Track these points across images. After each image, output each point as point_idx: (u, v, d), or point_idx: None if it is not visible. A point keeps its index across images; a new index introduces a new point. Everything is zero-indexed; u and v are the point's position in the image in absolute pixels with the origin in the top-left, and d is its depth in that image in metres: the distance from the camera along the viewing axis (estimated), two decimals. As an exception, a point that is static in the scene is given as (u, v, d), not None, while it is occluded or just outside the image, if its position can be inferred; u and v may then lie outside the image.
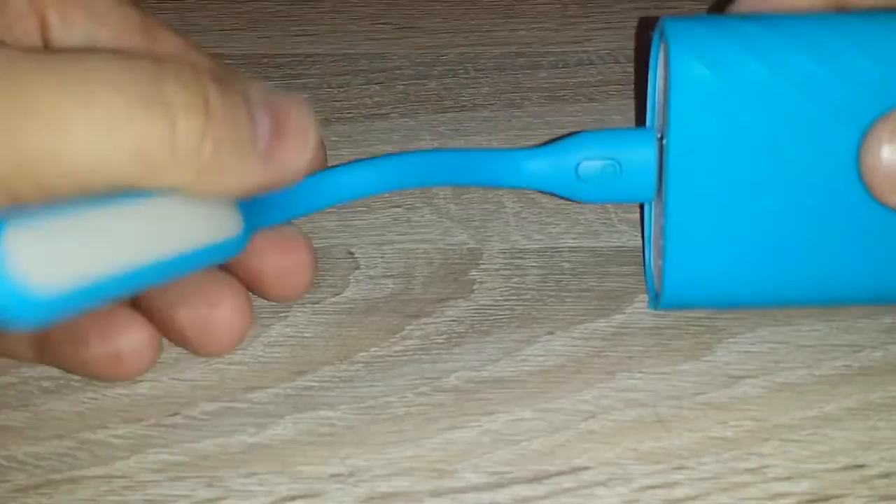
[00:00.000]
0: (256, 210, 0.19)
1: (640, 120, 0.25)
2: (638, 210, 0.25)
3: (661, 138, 0.21)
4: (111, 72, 0.15)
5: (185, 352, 0.21)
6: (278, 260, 0.21)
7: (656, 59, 0.21)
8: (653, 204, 0.22)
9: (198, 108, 0.16)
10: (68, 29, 0.19)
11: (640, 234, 0.24)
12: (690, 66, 0.19)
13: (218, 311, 0.20)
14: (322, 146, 0.22)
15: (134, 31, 0.19)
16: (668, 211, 0.20)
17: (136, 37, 0.19)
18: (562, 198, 0.22)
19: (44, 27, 0.19)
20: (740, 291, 0.21)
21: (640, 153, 0.21)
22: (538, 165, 0.21)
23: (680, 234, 0.20)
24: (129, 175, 0.15)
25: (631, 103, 0.28)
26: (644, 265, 0.23)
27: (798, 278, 0.20)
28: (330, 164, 0.26)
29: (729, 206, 0.20)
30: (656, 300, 0.22)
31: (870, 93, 0.19)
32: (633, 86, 0.29)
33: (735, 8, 0.22)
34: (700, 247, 0.20)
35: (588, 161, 0.21)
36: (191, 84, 0.16)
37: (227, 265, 0.20)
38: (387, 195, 0.25)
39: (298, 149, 0.17)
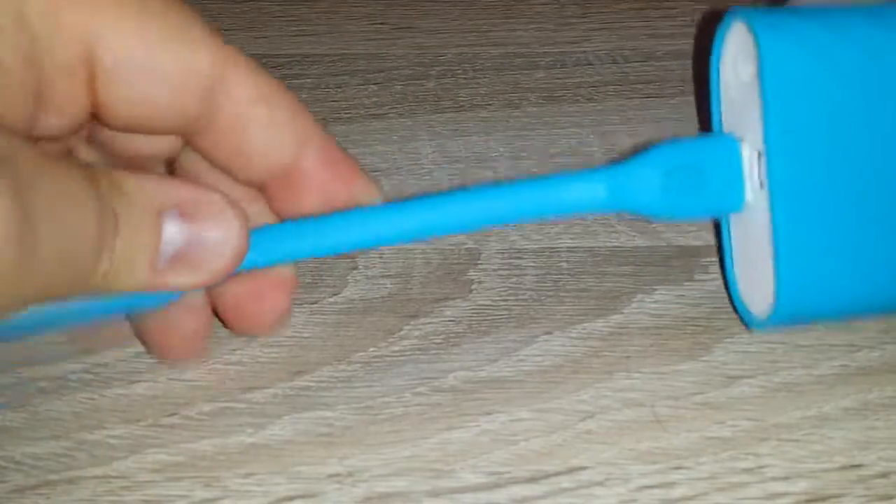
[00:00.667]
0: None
1: (703, 125, 0.24)
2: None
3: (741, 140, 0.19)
4: None
5: (182, 352, 0.21)
6: (252, 306, 0.20)
7: (719, 55, 0.20)
8: (736, 216, 0.20)
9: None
10: None
11: (638, 235, 0.24)
12: (783, 52, 0.18)
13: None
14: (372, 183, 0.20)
15: (195, 74, 0.17)
16: (775, 217, 0.18)
17: (197, 83, 0.17)
18: (646, 217, 0.20)
19: (92, 72, 0.17)
20: (860, 297, 0.19)
21: (725, 160, 0.19)
22: (619, 183, 0.19)
23: (789, 239, 0.18)
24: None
25: (628, 104, 0.28)
26: (727, 284, 0.21)
27: None
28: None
29: (836, 204, 0.18)
30: (761, 319, 0.20)
31: None
32: (630, 86, 0.29)
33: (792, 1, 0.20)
34: (812, 252, 0.18)
35: (672, 173, 0.19)
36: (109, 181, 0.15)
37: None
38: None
39: (216, 259, 0.16)
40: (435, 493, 0.19)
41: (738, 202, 0.19)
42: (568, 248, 0.24)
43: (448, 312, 0.22)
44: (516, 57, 0.30)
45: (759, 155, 0.19)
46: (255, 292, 0.20)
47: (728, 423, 0.20)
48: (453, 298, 0.23)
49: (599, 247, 0.24)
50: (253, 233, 0.17)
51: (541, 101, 0.29)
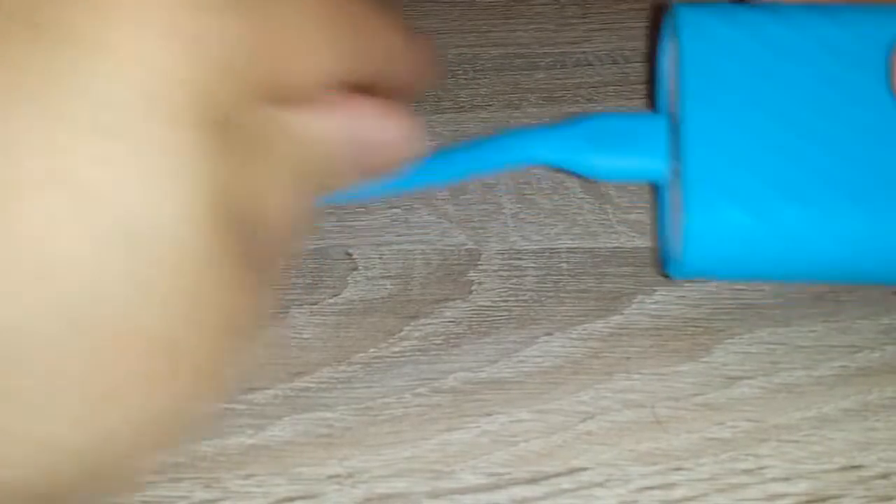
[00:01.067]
0: None
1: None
2: (638, 212, 0.25)
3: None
4: None
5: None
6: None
7: (665, 46, 0.22)
8: (668, 186, 0.22)
9: None
10: None
11: (638, 236, 0.24)
12: (698, 17, 0.20)
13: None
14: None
15: None
16: (685, 170, 0.19)
17: None
18: (576, 175, 0.22)
19: None
20: (769, 258, 0.20)
21: (651, 132, 0.21)
22: (553, 138, 0.22)
23: (698, 195, 0.19)
24: None
25: (629, 104, 0.28)
26: (660, 248, 0.22)
27: (829, 243, 0.19)
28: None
29: (749, 166, 0.19)
30: (676, 265, 0.21)
31: (881, 38, 0.19)
32: (631, 87, 0.29)
33: None
34: (720, 207, 0.19)
35: (603, 137, 0.21)
36: None
37: None
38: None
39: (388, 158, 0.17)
40: (435, 495, 0.19)
41: (661, 170, 0.21)
42: (568, 248, 0.24)
43: (448, 313, 0.22)
44: (516, 58, 0.30)
45: None
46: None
47: (728, 424, 0.20)
48: (453, 299, 0.23)
49: (599, 248, 0.24)
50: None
51: (541, 101, 0.29)
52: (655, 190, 0.23)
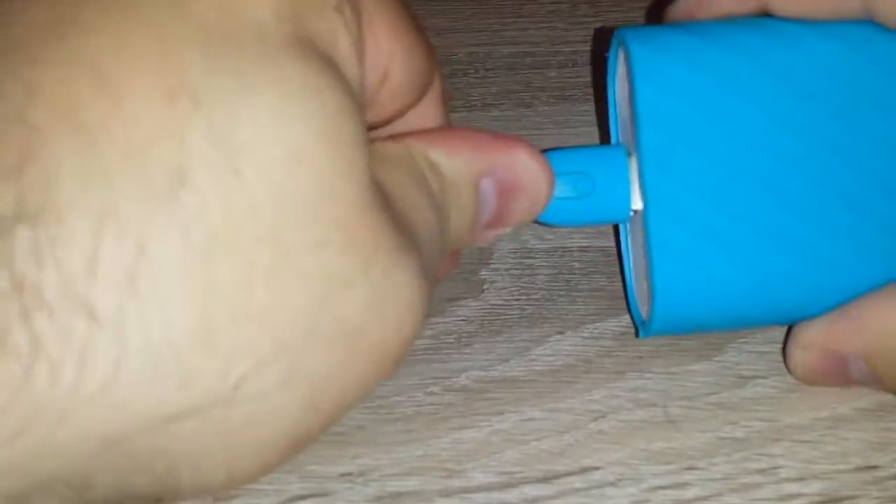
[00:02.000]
0: None
1: (604, 137, 0.24)
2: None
3: (630, 153, 0.20)
4: None
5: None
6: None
7: (614, 71, 0.21)
8: (628, 225, 0.21)
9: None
10: None
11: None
12: (653, 59, 0.19)
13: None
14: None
15: None
16: (649, 223, 0.19)
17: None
18: (542, 223, 0.19)
19: None
20: (739, 306, 0.19)
21: (612, 169, 0.19)
22: None
23: (666, 247, 0.18)
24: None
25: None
26: (625, 293, 0.22)
27: (798, 285, 0.19)
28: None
29: (714, 213, 0.18)
30: (645, 327, 0.20)
31: (832, 69, 0.19)
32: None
33: (671, 16, 0.21)
34: (689, 259, 0.18)
35: (560, 177, 0.19)
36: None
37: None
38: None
39: (526, 209, 0.17)
40: (447, 493, 0.19)
41: (624, 211, 0.19)
42: (580, 247, 0.24)
43: (460, 312, 0.22)
44: (528, 56, 0.30)
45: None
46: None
47: (741, 424, 0.20)
48: (465, 298, 0.23)
49: (611, 246, 0.24)
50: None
51: (553, 100, 0.29)
52: (617, 242, 0.22)
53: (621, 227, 0.22)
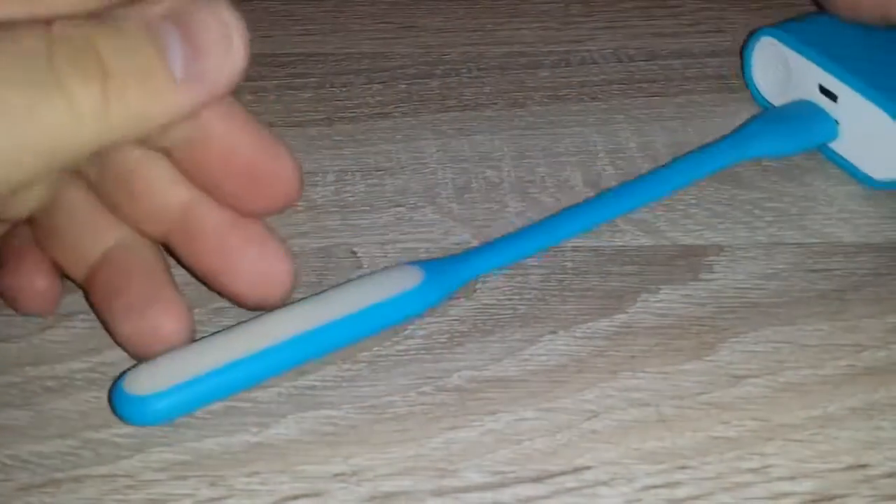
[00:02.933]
0: (442, 269, 0.22)
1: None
2: (643, 210, 0.25)
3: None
4: (2, 62, 0.15)
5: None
6: (254, 264, 0.20)
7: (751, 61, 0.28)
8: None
9: (92, 73, 0.15)
10: None
11: (643, 234, 0.24)
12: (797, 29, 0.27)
13: (157, 329, 0.20)
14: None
15: None
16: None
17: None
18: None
19: None
20: None
21: (805, 106, 0.26)
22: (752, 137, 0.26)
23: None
24: (46, 163, 0.15)
25: (634, 102, 0.28)
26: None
27: None
28: (334, 161, 0.26)
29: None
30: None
31: None
32: (635, 84, 0.29)
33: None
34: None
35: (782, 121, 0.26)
36: (80, 47, 0.15)
37: (199, 259, 0.20)
38: (389, 194, 0.25)
39: (221, 59, 0.16)
40: (440, 493, 0.19)
41: (833, 131, 0.26)
42: (572, 247, 0.24)
43: (453, 312, 0.22)
44: (521, 56, 0.30)
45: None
46: (266, 256, 0.20)
47: (733, 423, 0.20)
48: (458, 298, 0.23)
49: (604, 246, 0.24)
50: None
51: (545, 100, 0.29)
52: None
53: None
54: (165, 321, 0.20)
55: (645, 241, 0.24)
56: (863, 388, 0.20)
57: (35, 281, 0.21)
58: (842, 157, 0.26)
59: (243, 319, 0.21)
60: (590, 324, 0.22)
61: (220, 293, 0.21)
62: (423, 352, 0.21)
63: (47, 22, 0.15)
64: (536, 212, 0.25)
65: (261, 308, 0.20)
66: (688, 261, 0.24)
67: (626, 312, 0.22)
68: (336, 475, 0.19)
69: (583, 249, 0.24)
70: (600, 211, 0.24)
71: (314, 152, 0.27)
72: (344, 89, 0.29)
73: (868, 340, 0.21)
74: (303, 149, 0.27)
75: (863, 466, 0.19)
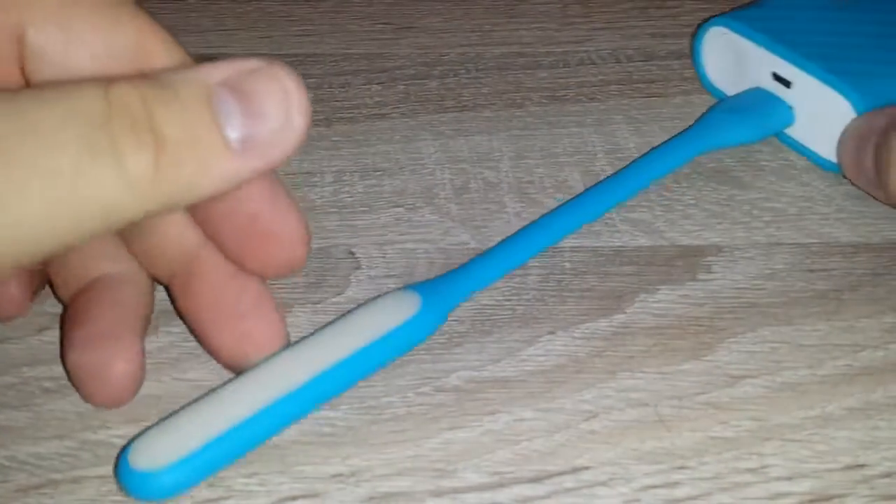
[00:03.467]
0: (437, 289, 0.21)
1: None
2: (641, 210, 0.25)
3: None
4: (52, 124, 0.14)
5: (186, 351, 0.21)
6: (271, 224, 0.19)
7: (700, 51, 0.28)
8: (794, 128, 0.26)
9: (147, 139, 0.15)
10: (44, 57, 0.17)
11: (641, 235, 0.24)
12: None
13: (110, 368, 0.19)
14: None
15: (120, 48, 0.17)
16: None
17: (122, 55, 0.17)
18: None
19: (22, 54, 0.17)
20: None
21: (761, 95, 0.26)
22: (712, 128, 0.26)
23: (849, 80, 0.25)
24: (89, 228, 0.15)
25: (632, 102, 0.28)
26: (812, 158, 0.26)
27: None
28: (333, 162, 0.26)
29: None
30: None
31: None
32: (633, 85, 0.29)
33: None
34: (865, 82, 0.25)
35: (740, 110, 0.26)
36: (138, 113, 0.15)
37: (213, 218, 0.19)
38: (387, 195, 0.25)
39: (278, 129, 0.16)
40: (438, 493, 0.19)
41: (790, 117, 0.26)
42: (571, 247, 0.24)
43: (451, 312, 0.22)
44: (519, 57, 0.30)
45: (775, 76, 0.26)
46: (282, 219, 0.19)
47: (731, 423, 0.20)
48: (456, 298, 0.23)
49: (602, 246, 0.24)
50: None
51: (543, 100, 0.29)
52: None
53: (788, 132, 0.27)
54: (116, 361, 0.19)
55: (643, 241, 0.24)
56: (861, 388, 0.20)
57: (9, 287, 0.21)
58: (799, 143, 0.26)
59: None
60: (588, 324, 0.22)
61: (205, 347, 0.20)
62: (421, 352, 0.21)
63: (107, 80, 0.15)
64: (535, 212, 0.25)
65: (238, 368, 0.20)
66: (686, 261, 0.24)
67: (625, 313, 0.22)
68: (334, 476, 0.19)
69: (581, 250, 0.24)
70: (579, 213, 0.24)
71: (312, 153, 0.27)
72: (342, 90, 0.29)
73: (866, 340, 0.21)
74: (301, 149, 0.27)
75: (861, 466, 0.19)
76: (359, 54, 0.30)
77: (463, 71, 0.30)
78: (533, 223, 0.24)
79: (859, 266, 0.23)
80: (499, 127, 0.28)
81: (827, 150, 0.25)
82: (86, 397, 0.20)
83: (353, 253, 0.24)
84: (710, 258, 0.24)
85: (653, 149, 0.26)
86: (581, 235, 0.24)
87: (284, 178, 0.26)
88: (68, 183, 0.14)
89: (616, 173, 0.25)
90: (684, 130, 0.26)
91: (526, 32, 0.31)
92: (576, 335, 0.22)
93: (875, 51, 0.25)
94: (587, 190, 0.25)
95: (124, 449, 0.18)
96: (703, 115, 0.26)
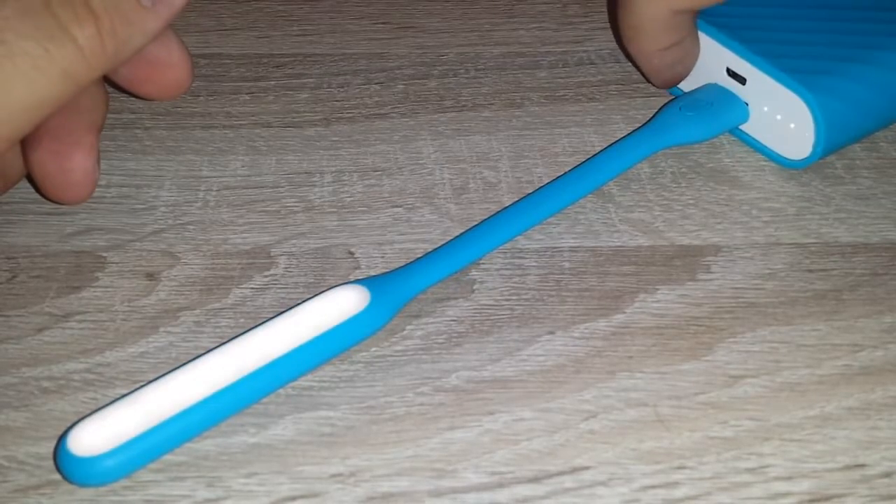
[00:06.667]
0: (386, 286, 0.21)
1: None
2: (640, 210, 0.25)
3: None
4: (14, 20, 0.18)
5: (185, 350, 0.21)
6: (158, 54, 0.22)
7: None
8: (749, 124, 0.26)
9: (85, 16, 0.19)
10: None
11: (640, 235, 0.24)
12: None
13: (70, 162, 0.22)
14: None
15: None
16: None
17: None
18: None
19: None
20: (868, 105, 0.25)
21: (715, 90, 0.26)
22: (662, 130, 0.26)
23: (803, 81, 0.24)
24: (65, 93, 0.19)
25: (631, 102, 0.28)
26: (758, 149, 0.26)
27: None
28: (332, 162, 0.26)
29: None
30: (815, 147, 0.25)
31: None
32: (632, 85, 0.29)
33: None
34: (823, 84, 0.25)
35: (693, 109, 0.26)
36: None
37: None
38: (387, 195, 0.25)
39: None
40: (437, 493, 0.19)
41: (744, 114, 0.26)
42: (570, 247, 0.24)
43: (450, 312, 0.22)
44: (518, 56, 0.30)
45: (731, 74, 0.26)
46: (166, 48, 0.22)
47: (731, 423, 0.20)
48: (455, 298, 0.23)
49: (602, 246, 0.24)
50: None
51: (543, 100, 0.29)
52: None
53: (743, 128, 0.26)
54: (74, 154, 0.22)
55: (643, 241, 0.24)
56: (860, 388, 0.20)
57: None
58: (754, 139, 0.26)
59: (238, 324, 0.21)
60: (587, 324, 0.22)
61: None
62: (420, 352, 0.21)
63: None
64: (534, 212, 0.25)
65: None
66: (685, 261, 0.24)
67: (624, 313, 0.22)
68: (334, 476, 0.19)
69: (580, 250, 0.24)
70: (536, 210, 0.24)
71: (312, 153, 0.27)
72: (341, 90, 0.29)
73: (865, 340, 0.21)
74: (300, 149, 0.27)
75: (860, 466, 0.19)
76: (358, 54, 0.30)
77: (462, 71, 0.30)
78: (487, 219, 0.24)
79: (858, 266, 0.23)
80: (498, 127, 0.28)
81: (782, 146, 0.25)
82: (46, 192, 0.22)
83: (352, 253, 0.24)
84: (709, 258, 0.24)
85: (608, 146, 0.26)
86: (580, 235, 0.24)
87: (284, 178, 0.26)
88: (44, 63, 0.19)
89: (572, 170, 0.25)
90: (639, 128, 0.26)
91: (525, 32, 0.31)
92: (575, 335, 0.22)
93: (829, 47, 0.25)
94: (544, 186, 0.25)
95: (63, 434, 0.18)
96: (658, 111, 0.26)
